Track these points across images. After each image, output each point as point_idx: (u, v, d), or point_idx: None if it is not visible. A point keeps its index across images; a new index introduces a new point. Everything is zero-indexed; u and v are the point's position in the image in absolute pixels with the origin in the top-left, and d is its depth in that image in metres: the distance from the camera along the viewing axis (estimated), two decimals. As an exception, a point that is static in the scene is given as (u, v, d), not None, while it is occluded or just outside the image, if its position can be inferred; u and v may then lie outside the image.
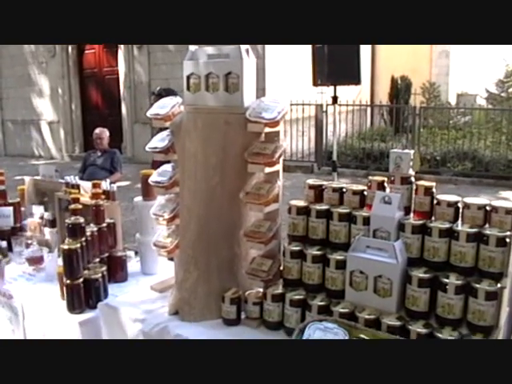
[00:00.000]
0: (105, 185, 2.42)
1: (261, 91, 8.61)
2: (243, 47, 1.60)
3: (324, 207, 1.60)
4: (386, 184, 1.56)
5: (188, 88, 1.73)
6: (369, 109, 11.64)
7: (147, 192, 2.22)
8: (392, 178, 1.52)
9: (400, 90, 11.97)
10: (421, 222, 1.43)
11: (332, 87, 5.36)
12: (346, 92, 7.72)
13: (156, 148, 1.81)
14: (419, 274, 1.36)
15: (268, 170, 1.59)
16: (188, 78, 1.73)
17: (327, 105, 8.78)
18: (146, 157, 4.24)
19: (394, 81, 12.22)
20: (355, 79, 5.25)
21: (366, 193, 1.59)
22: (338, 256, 1.50)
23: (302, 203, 1.65)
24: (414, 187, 1.50)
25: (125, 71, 10.39)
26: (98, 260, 2.15)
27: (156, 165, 2.07)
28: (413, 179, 1.52)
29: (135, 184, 7.08)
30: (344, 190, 1.63)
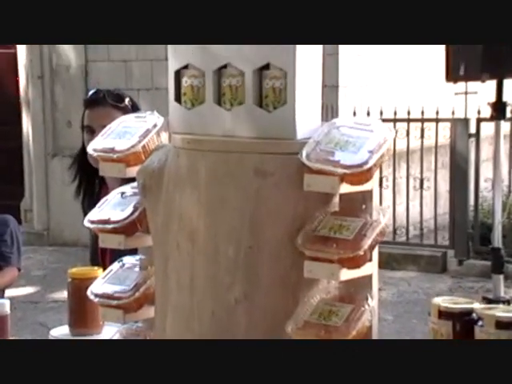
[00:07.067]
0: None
1: (331, 92, 8.64)
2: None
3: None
4: None
5: (178, 97, 1.81)
6: None
7: (81, 317, 2.28)
8: None
9: None
10: None
11: (492, 82, 5.39)
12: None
13: (107, 222, 1.87)
14: None
15: (347, 273, 1.63)
16: (178, 74, 1.81)
17: (479, 120, 8.71)
18: (76, 234, 4.32)
19: None
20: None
21: None
22: None
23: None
24: None
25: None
26: None
27: (105, 256, 2.16)
28: None
29: (51, 293, 7.15)
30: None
